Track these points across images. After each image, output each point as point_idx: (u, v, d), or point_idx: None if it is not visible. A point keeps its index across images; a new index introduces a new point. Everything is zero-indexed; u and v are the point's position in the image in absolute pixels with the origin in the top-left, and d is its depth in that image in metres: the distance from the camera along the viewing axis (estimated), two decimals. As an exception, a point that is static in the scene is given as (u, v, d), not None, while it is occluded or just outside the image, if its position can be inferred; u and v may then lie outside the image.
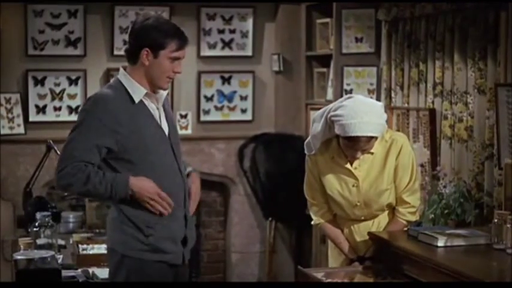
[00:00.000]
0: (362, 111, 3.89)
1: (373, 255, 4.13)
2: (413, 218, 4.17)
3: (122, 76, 3.69)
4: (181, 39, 3.68)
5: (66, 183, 3.62)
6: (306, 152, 4.22)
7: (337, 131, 3.94)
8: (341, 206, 4.16)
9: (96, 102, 3.62)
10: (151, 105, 3.70)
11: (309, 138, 4.18)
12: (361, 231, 4.18)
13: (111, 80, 3.76)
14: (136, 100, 3.63)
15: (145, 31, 3.63)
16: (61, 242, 4.91)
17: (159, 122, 3.71)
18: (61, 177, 3.60)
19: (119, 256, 3.70)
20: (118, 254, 3.71)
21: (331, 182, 4.15)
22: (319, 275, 3.99)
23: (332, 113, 3.96)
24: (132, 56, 3.67)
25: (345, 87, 6.40)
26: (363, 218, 4.17)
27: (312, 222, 4.32)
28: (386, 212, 4.19)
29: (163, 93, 3.75)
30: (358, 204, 4.11)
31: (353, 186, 4.10)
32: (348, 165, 4.09)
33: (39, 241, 4.58)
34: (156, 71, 3.65)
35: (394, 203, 4.14)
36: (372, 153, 4.06)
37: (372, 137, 3.94)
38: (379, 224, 4.19)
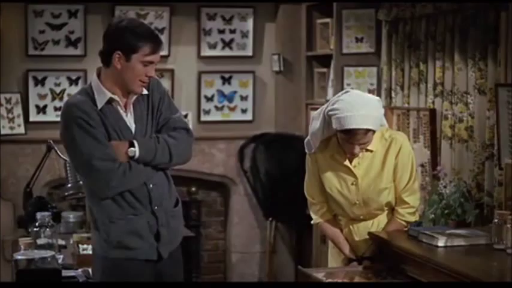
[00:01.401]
0: (358, 104, 3.89)
1: (372, 255, 4.13)
2: (412, 219, 4.16)
3: (94, 81, 3.66)
4: (155, 42, 3.59)
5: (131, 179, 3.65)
6: (306, 150, 4.23)
7: (334, 125, 3.94)
8: (340, 204, 4.16)
9: (69, 110, 3.62)
10: (119, 109, 3.67)
11: (308, 136, 4.18)
12: (360, 232, 4.18)
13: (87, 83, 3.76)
14: (99, 105, 3.60)
15: (118, 33, 3.57)
16: (61, 242, 4.91)
17: (127, 122, 3.67)
18: (126, 179, 3.63)
19: (96, 256, 3.79)
20: (96, 254, 3.80)
21: (331, 180, 4.15)
22: (320, 275, 3.99)
23: (329, 108, 3.97)
24: (105, 58, 3.62)
25: (345, 87, 6.39)
26: (361, 217, 4.16)
27: (312, 222, 4.32)
28: (385, 213, 4.19)
29: (133, 97, 3.70)
30: (357, 202, 4.11)
31: (352, 184, 4.10)
32: (347, 163, 4.09)
33: (40, 241, 4.58)
34: (128, 75, 3.58)
35: (393, 203, 4.14)
36: (371, 151, 4.06)
37: (368, 130, 3.92)
38: (379, 224, 4.19)
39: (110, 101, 3.63)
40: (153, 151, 3.65)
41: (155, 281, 3.77)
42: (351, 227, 4.20)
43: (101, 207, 3.68)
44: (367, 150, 4.06)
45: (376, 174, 4.08)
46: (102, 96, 3.61)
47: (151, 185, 3.70)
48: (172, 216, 3.81)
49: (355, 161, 4.08)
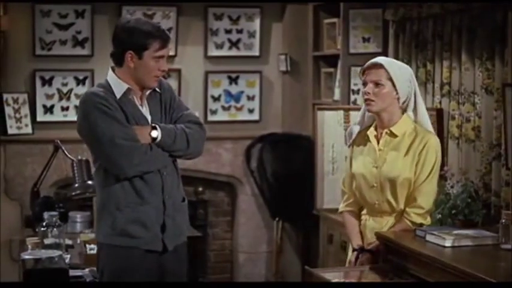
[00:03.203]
0: None
1: (375, 249, 4.13)
2: (418, 220, 4.12)
3: (109, 76, 3.80)
4: (163, 37, 3.75)
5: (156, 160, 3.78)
6: (346, 143, 4.39)
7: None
8: (360, 187, 4.19)
9: (89, 97, 3.74)
10: (136, 101, 3.81)
11: (351, 126, 4.32)
12: (374, 228, 4.19)
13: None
14: (118, 95, 3.74)
15: (127, 34, 3.72)
16: (68, 241, 4.91)
17: (143, 113, 3.81)
18: (151, 159, 3.75)
19: (99, 246, 3.86)
20: (99, 244, 3.87)
21: (358, 161, 4.21)
22: (326, 275, 3.98)
23: None
24: (117, 59, 3.77)
25: (352, 87, 6.40)
26: (377, 204, 4.15)
27: (338, 210, 4.41)
28: (396, 215, 4.18)
29: (148, 91, 3.84)
30: (375, 185, 4.13)
31: (373, 166, 4.14)
32: (375, 143, 4.15)
33: (47, 241, 4.59)
34: (142, 72, 3.74)
35: (405, 196, 4.11)
36: (396, 136, 4.09)
37: (381, 66, 4.05)
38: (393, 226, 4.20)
39: (127, 93, 3.76)
40: (173, 136, 3.79)
41: (157, 274, 3.82)
42: (367, 222, 4.22)
43: (109, 194, 3.76)
44: (392, 134, 4.10)
45: (397, 162, 4.09)
46: (119, 87, 3.76)
47: (164, 173, 3.81)
48: (178, 210, 3.89)
49: (381, 143, 4.13)
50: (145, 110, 3.82)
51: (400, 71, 4.09)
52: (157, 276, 3.83)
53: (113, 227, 3.75)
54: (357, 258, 4.16)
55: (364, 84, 4.12)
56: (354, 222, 4.29)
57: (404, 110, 4.14)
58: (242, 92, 7.38)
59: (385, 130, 4.13)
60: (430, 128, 4.20)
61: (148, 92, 3.83)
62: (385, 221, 4.18)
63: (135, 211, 3.75)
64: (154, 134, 3.75)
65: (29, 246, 4.62)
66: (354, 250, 4.21)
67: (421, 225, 4.12)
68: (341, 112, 5.99)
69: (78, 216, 5.54)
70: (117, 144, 3.66)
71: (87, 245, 4.81)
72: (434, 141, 4.12)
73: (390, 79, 4.06)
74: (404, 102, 4.12)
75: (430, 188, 4.12)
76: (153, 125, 3.78)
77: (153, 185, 3.78)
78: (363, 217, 4.26)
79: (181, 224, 3.94)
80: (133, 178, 3.74)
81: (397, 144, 4.11)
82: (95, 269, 4.32)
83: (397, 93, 4.08)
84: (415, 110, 4.15)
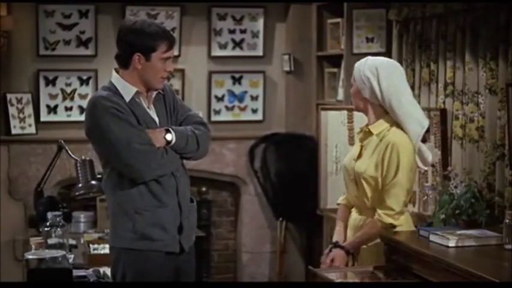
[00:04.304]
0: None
1: (348, 247, 4.12)
2: (389, 220, 4.08)
3: (115, 79, 3.79)
4: (170, 39, 3.76)
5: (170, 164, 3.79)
6: None
7: None
8: (345, 179, 4.28)
9: (99, 102, 3.72)
10: (143, 103, 3.80)
11: None
12: (351, 224, 4.25)
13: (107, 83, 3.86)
14: (127, 99, 3.73)
15: (134, 36, 3.71)
16: (72, 241, 4.92)
17: (151, 115, 3.81)
18: (165, 164, 3.75)
19: (115, 252, 3.81)
20: (114, 249, 3.82)
21: (347, 156, 4.32)
22: (330, 275, 3.98)
23: None
24: (124, 61, 3.76)
25: (356, 87, 6.39)
26: (355, 197, 4.19)
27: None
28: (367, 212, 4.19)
29: (154, 93, 3.84)
30: (352, 178, 4.19)
31: (353, 159, 4.21)
32: (358, 139, 4.25)
33: (50, 241, 4.59)
34: (149, 74, 3.74)
35: (372, 194, 4.12)
36: (372, 134, 4.13)
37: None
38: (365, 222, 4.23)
39: (135, 96, 3.76)
40: (186, 138, 3.80)
41: (173, 275, 3.83)
42: (351, 218, 4.26)
43: (125, 198, 3.74)
44: (369, 132, 4.15)
45: (365, 159, 4.14)
46: (127, 90, 3.75)
47: (178, 175, 3.82)
48: (190, 211, 3.91)
49: (364, 141, 4.19)
50: (152, 113, 3.82)
51: (358, 71, 4.19)
52: (173, 278, 3.84)
53: (134, 231, 3.73)
54: (328, 252, 4.18)
55: None
56: (339, 218, 4.34)
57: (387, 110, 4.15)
58: (246, 92, 7.38)
59: (365, 128, 4.19)
60: (412, 129, 4.09)
61: (154, 94, 3.83)
62: (363, 218, 4.18)
63: (154, 214, 3.74)
64: (169, 137, 3.76)
65: (33, 246, 4.63)
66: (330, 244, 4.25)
67: (391, 225, 4.10)
68: (344, 112, 5.98)
69: (81, 216, 5.55)
70: (134, 149, 3.65)
71: (91, 245, 4.82)
72: (399, 142, 4.05)
73: (354, 79, 4.19)
74: (381, 101, 4.12)
75: (398, 189, 4.06)
76: (167, 128, 3.78)
77: (168, 188, 3.78)
78: (352, 213, 4.30)
79: (194, 224, 3.97)
80: (149, 181, 3.74)
81: (372, 142, 4.15)
82: (98, 269, 4.34)
83: (362, 93, 4.13)
84: (391, 109, 4.09)
